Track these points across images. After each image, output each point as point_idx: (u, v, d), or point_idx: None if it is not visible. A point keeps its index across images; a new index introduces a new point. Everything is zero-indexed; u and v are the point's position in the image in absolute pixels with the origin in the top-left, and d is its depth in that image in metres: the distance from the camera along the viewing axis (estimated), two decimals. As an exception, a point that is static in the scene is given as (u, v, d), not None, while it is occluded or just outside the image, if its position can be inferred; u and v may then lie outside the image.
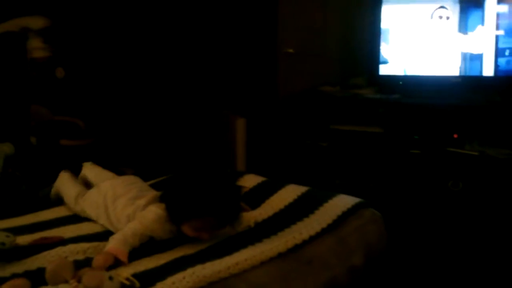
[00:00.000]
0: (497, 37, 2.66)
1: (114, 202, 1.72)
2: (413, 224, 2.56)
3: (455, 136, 2.69)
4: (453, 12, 2.75)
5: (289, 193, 1.96)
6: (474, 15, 2.71)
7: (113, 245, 1.45)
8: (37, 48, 2.53)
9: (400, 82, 2.96)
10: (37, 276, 1.28)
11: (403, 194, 2.69)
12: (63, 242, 1.54)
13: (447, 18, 2.75)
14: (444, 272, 2.25)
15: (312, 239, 1.61)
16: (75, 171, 2.14)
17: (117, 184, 1.83)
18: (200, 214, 1.51)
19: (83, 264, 1.36)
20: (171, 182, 1.62)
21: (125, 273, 1.26)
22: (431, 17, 2.81)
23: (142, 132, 3.09)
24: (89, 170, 2.09)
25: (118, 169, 2.55)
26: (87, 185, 2.03)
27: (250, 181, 2.13)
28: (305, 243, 1.58)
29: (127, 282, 1.21)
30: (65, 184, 2.01)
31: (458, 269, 2.25)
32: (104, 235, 1.62)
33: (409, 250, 2.34)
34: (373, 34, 3.00)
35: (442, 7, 2.77)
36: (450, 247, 2.42)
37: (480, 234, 2.41)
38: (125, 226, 1.57)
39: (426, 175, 2.66)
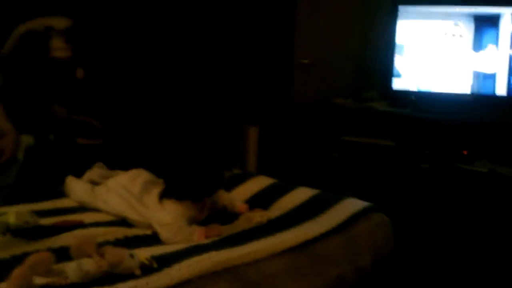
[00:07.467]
0: (511, 56, 2.70)
1: (135, 194, 1.77)
2: (422, 238, 2.57)
3: (465, 152, 2.71)
4: (468, 30, 2.79)
5: (300, 194, 2.01)
6: (488, 34, 2.75)
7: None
8: (59, 48, 2.59)
9: (412, 97, 3.00)
10: (59, 254, 1.32)
11: (412, 207, 2.71)
12: (83, 225, 1.61)
13: (460, 36, 2.80)
14: (448, 281, 2.27)
15: (322, 236, 1.66)
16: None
17: (123, 179, 1.88)
18: None
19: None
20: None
21: (145, 254, 1.31)
22: (445, 34, 2.86)
23: (155, 136, 3.14)
24: (96, 171, 2.11)
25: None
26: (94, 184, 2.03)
27: (261, 182, 2.19)
28: (316, 240, 1.63)
29: (146, 262, 1.26)
30: (71, 184, 2.02)
31: (463, 280, 2.26)
32: (121, 222, 1.70)
33: (416, 260, 2.36)
34: (387, 49, 3.05)
35: (455, 24, 2.82)
36: (456, 261, 2.43)
37: (487, 249, 2.42)
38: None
39: (435, 190, 2.68)
